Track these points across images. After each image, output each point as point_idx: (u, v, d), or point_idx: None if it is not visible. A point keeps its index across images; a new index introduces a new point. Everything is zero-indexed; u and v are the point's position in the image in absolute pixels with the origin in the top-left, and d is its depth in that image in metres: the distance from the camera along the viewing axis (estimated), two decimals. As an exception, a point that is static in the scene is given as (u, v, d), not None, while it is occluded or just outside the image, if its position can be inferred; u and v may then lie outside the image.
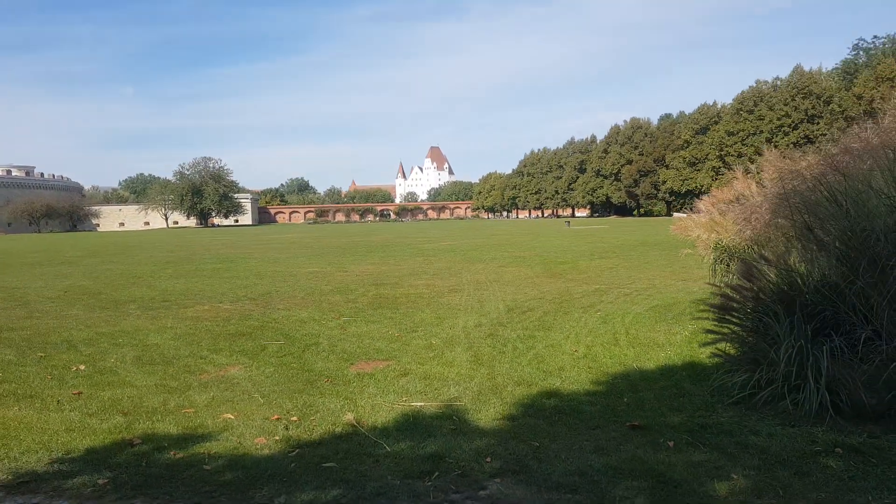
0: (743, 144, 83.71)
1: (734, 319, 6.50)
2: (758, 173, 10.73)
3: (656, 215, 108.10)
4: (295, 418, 5.59)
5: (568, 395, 6.17)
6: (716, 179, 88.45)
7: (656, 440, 4.86)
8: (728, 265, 10.11)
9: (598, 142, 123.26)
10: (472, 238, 44.99)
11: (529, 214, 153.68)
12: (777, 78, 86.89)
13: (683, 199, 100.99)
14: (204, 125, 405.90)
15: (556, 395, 6.21)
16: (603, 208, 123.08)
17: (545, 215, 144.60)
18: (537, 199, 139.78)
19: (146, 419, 5.67)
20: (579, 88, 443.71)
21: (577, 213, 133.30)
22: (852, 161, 5.14)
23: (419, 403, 5.95)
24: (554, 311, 11.36)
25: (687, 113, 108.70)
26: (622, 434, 5.03)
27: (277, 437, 5.12)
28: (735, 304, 6.46)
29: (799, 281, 5.61)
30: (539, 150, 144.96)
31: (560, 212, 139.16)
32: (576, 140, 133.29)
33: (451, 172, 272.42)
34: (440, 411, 5.73)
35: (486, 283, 16.12)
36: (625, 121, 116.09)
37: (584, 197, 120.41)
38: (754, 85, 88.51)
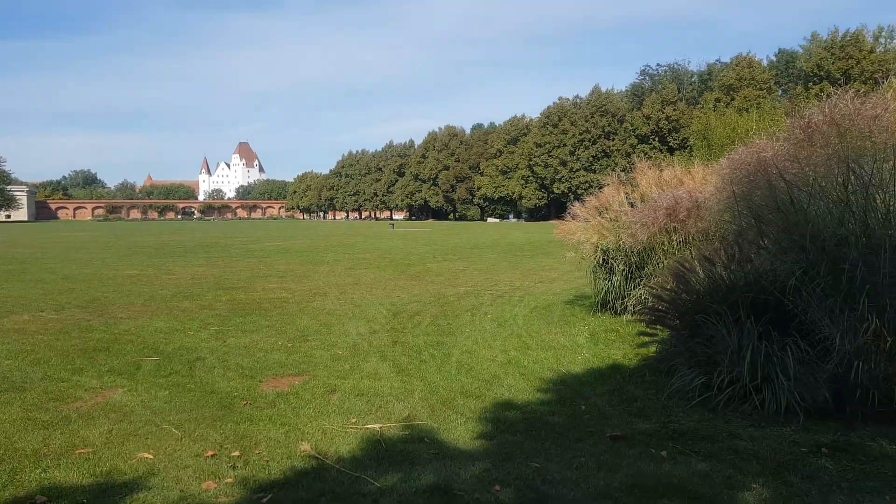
0: (549, 156, 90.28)
1: (671, 321, 6.65)
2: (630, 182, 11.29)
3: (470, 219, 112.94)
4: (236, 453, 4.62)
5: (524, 406, 5.85)
6: (525, 187, 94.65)
7: (647, 451, 4.69)
8: (612, 269, 10.51)
9: (416, 147, 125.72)
10: (298, 239, 43.33)
11: (347, 216, 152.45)
12: (577, 96, 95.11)
13: (496, 204, 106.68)
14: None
15: (513, 406, 5.87)
16: (420, 211, 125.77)
17: (363, 217, 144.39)
18: (356, 201, 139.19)
19: (33, 466, 4.35)
20: (397, 94, 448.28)
21: (394, 216, 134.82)
22: (802, 170, 5.44)
23: (375, 425, 5.25)
24: (442, 314, 11.03)
25: (497, 124, 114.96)
26: (609, 447, 4.81)
27: (229, 480, 4.16)
28: (671, 306, 6.61)
29: (746, 281, 5.83)
30: (357, 151, 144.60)
31: (378, 214, 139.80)
32: (395, 144, 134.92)
33: (261, 170, 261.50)
34: (404, 433, 5.10)
35: (348, 287, 15.37)
36: (440, 128, 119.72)
37: (403, 200, 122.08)
38: (558, 101, 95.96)
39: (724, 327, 5.78)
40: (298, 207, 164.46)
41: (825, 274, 5.16)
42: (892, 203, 5.33)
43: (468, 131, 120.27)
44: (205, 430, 5.13)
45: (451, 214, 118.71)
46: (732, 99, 66.47)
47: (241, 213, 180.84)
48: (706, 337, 5.97)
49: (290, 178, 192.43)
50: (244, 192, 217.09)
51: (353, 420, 5.41)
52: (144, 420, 5.40)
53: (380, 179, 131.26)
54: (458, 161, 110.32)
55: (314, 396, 6.12)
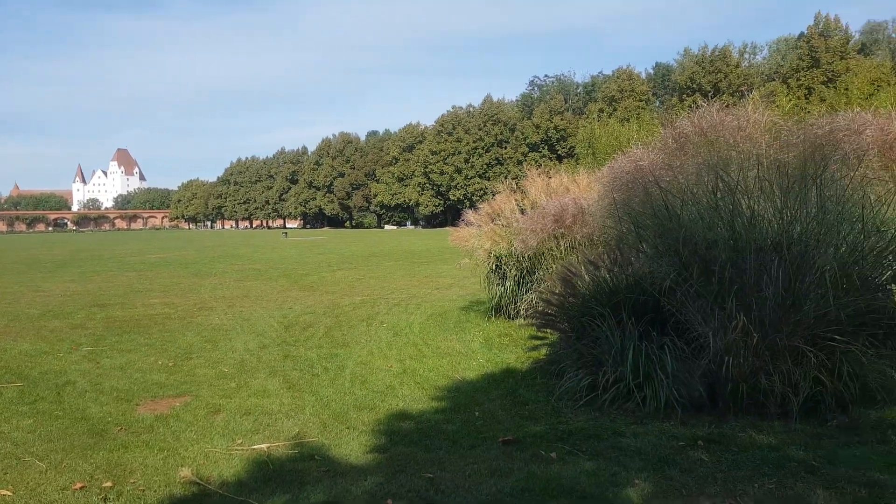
0: (445, 163, 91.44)
1: (559, 324, 6.83)
2: (521, 190, 11.57)
3: (367, 227, 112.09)
4: (108, 483, 4.27)
5: (419, 416, 5.81)
6: (422, 194, 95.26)
7: (538, 453, 4.78)
8: (505, 274, 10.71)
9: (309, 153, 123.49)
10: (183, 250, 41.29)
11: (237, 225, 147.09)
12: (470, 105, 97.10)
13: (393, 211, 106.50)
14: None
15: (407, 416, 5.81)
16: (315, 220, 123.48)
17: (254, 226, 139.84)
18: (246, 210, 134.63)
19: None
20: (289, 101, 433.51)
21: (288, 224, 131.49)
22: (675, 178, 5.76)
23: (262, 445, 5.02)
24: (336, 325, 10.82)
25: (392, 131, 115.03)
26: (501, 451, 4.86)
27: (99, 516, 3.84)
28: (559, 310, 6.80)
29: (627, 284, 6.09)
30: (247, 158, 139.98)
31: (270, 222, 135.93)
32: (287, 150, 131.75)
33: (142, 178, 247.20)
34: (294, 452, 4.91)
35: (236, 299, 14.77)
36: (334, 135, 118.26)
37: (296, 208, 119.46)
38: (452, 110, 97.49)
39: (608, 329, 6.01)
40: (183, 217, 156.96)
41: (697, 276, 5.48)
42: (756, 208, 5.73)
43: (363, 138, 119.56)
44: (73, 461, 4.71)
45: (348, 222, 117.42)
46: (615, 110, 70.07)
47: (120, 223, 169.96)
48: (592, 338, 6.19)
49: (174, 187, 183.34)
50: (123, 202, 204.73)
51: (239, 441, 5.15)
52: (4, 453, 4.89)
53: (271, 187, 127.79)
54: (354, 168, 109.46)
55: (196, 418, 5.79)
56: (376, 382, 6.98)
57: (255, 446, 5.02)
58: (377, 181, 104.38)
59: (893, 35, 69.60)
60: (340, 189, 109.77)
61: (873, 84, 48.03)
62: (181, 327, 10.96)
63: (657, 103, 79.93)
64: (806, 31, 65.86)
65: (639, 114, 61.94)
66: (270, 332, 10.36)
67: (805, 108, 38.88)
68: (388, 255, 31.09)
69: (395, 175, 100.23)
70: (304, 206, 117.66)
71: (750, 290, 5.30)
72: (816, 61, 61.55)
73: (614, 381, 5.67)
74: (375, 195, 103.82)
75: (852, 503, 3.83)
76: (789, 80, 62.38)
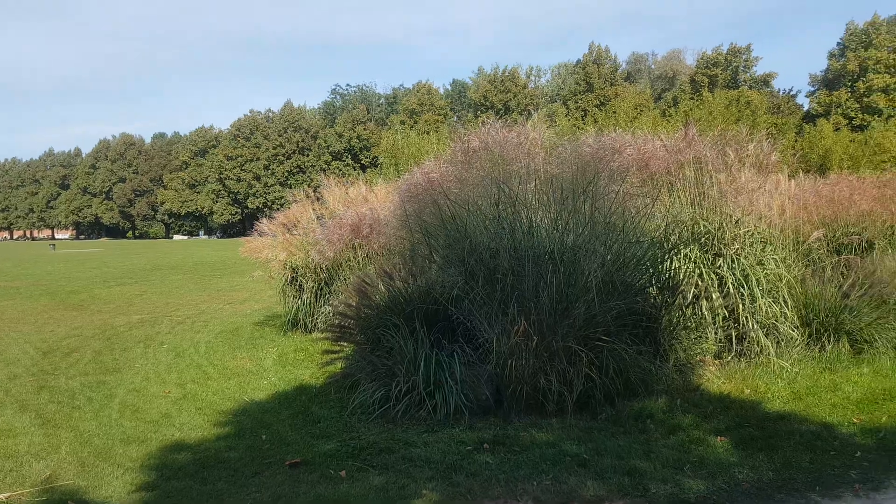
0: (242, 169, 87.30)
1: (355, 336, 6.70)
2: (319, 199, 11.28)
3: (153, 237, 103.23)
4: None
5: (198, 446, 5.31)
6: (216, 202, 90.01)
7: (327, 473, 4.60)
8: (302, 286, 10.35)
9: (84, 156, 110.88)
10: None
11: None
12: (270, 110, 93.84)
13: (184, 220, 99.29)
14: None
15: (184, 447, 5.27)
16: (91, 229, 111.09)
17: (15, 237, 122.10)
18: (5, 219, 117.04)
19: None
20: (57, 96, 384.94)
21: (57, 235, 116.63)
22: (463, 190, 5.93)
23: (1, 496, 4.23)
24: (108, 348, 9.66)
25: (182, 134, 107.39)
26: (288, 475, 4.59)
27: None
28: (355, 321, 6.67)
29: (419, 293, 6.14)
30: (6, 160, 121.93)
31: (36, 233, 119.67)
32: (56, 152, 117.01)
33: None
34: (42, 499, 4.20)
35: (-17, 322, 12.64)
36: (114, 136, 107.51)
37: (67, 217, 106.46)
38: (249, 114, 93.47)
39: (401, 339, 6.00)
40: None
41: (482, 284, 5.67)
42: (534, 219, 6.09)
43: (148, 140, 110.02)
44: None
45: (130, 232, 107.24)
46: (416, 122, 72.11)
47: None
48: (386, 349, 6.13)
49: None
50: None
51: (-32, 495, 4.30)
52: None
53: (37, 193, 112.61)
54: (137, 173, 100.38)
55: (-89, 471, 4.74)
56: (150, 411, 6.29)
57: (-12, 500, 4.22)
58: (164, 187, 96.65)
59: (653, 66, 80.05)
60: (121, 196, 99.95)
61: (636, 108, 54.72)
62: None
63: (455, 118, 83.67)
64: (582, 59, 73.27)
65: (438, 127, 64.39)
66: (24, 359, 8.96)
67: (581, 129, 43.13)
68: (175, 268, 28.81)
69: (186, 181, 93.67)
70: (78, 215, 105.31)
71: (529, 296, 5.60)
72: (591, 86, 68.69)
73: (407, 391, 5.66)
74: (163, 202, 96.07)
75: (617, 490, 4.16)
76: (568, 103, 68.88)
